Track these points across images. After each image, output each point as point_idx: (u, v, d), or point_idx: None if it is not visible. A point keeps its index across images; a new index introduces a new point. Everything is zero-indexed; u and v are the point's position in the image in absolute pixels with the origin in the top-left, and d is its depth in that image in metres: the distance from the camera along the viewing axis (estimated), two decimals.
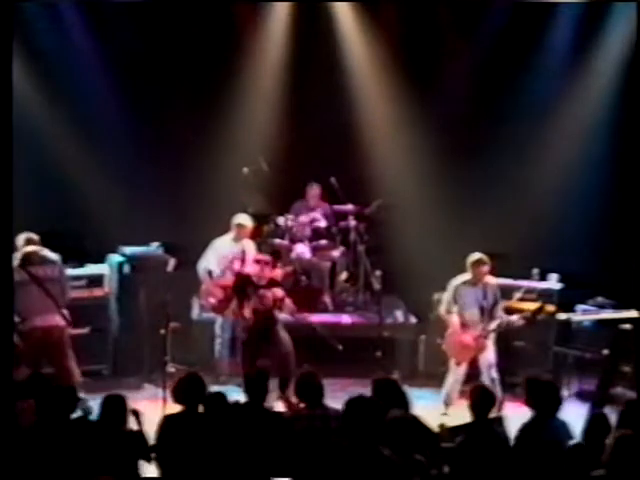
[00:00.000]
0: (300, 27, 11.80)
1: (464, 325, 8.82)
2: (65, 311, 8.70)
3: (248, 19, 11.90)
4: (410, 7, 11.69)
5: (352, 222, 11.45)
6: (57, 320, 8.60)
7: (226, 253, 9.92)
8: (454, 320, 8.86)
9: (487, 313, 8.79)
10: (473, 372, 8.91)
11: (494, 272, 9.19)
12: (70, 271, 9.65)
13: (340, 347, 9.41)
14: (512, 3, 11.38)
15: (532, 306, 9.12)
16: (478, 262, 8.82)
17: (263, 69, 11.94)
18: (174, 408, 6.58)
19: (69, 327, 8.73)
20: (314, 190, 11.72)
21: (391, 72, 11.74)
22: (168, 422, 6.37)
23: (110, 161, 11.56)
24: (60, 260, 8.83)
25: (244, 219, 9.90)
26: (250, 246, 10.02)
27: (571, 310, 9.71)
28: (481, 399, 6.44)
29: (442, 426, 8.36)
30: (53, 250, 8.90)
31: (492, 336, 8.82)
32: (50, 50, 11.14)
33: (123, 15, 11.35)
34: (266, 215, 11.53)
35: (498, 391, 8.62)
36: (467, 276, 8.88)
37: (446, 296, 8.93)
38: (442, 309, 9.02)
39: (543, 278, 10.29)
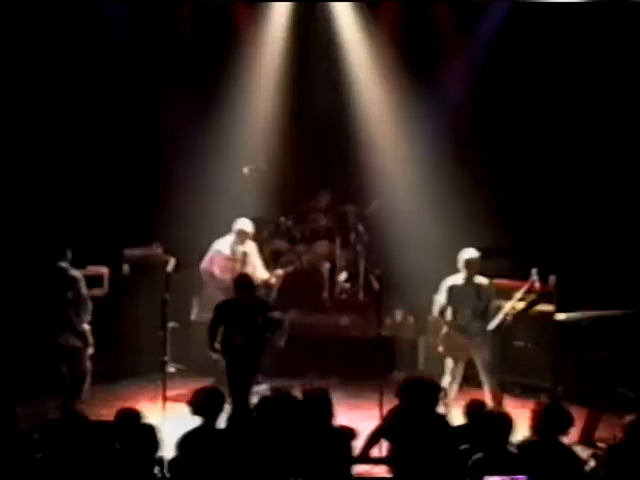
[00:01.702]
0: (299, 27, 11.84)
1: (457, 325, 8.80)
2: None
3: (247, 19, 11.93)
4: (409, 7, 11.72)
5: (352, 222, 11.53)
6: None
7: (227, 255, 9.89)
8: (448, 320, 8.85)
9: (480, 313, 8.77)
10: (471, 372, 8.92)
11: (493, 272, 9.20)
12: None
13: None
14: (511, 3, 11.40)
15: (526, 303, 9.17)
16: (471, 258, 8.80)
17: (263, 69, 11.96)
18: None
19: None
20: (326, 195, 11.89)
21: (391, 71, 11.76)
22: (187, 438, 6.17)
23: (111, 162, 11.59)
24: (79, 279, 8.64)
25: (245, 224, 9.82)
26: (252, 248, 9.97)
27: (570, 310, 9.72)
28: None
29: None
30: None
31: (489, 336, 8.81)
32: None
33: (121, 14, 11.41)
34: (266, 217, 11.57)
35: (496, 391, 8.65)
36: (460, 276, 8.85)
37: (439, 296, 8.91)
38: (435, 310, 8.98)
39: (542, 278, 10.28)
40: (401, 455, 6.25)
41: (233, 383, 8.46)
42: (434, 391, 6.48)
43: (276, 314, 8.76)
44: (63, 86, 11.27)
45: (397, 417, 6.41)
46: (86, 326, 8.61)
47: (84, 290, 8.59)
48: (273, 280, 9.97)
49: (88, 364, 8.65)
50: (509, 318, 8.94)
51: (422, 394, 6.39)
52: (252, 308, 8.53)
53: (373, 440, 6.49)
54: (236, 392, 8.33)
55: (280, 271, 9.99)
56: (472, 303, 8.75)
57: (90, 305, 8.65)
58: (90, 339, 8.63)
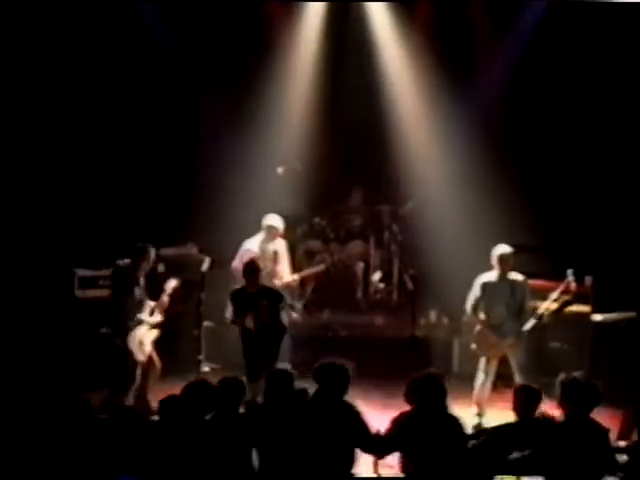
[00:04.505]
0: (334, 26, 11.85)
1: (491, 324, 8.75)
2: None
3: (282, 19, 11.96)
4: (444, 7, 11.68)
5: (386, 222, 11.51)
6: None
7: (257, 253, 9.86)
8: (481, 317, 8.80)
9: (514, 311, 8.72)
10: (505, 372, 8.87)
11: (528, 270, 9.15)
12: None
13: (343, 333, 9.13)
14: (548, 2, 11.31)
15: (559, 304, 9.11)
16: (504, 253, 8.74)
17: (297, 69, 11.98)
18: None
19: None
20: (359, 192, 11.88)
21: (426, 71, 11.74)
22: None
23: (147, 162, 11.66)
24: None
25: (274, 220, 9.77)
26: (282, 246, 9.91)
27: (606, 311, 9.65)
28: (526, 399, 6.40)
29: (477, 426, 8.36)
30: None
31: (524, 336, 8.76)
32: None
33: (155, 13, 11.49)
34: (299, 215, 11.57)
35: None
36: (494, 272, 8.79)
37: (472, 293, 8.87)
38: (468, 306, 8.94)
39: (578, 279, 10.20)
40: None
41: (250, 369, 8.50)
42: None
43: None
44: (100, 87, 11.37)
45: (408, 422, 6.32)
46: (137, 333, 8.70)
47: (119, 291, 8.74)
48: (292, 283, 9.94)
49: (135, 371, 8.69)
50: (544, 319, 8.89)
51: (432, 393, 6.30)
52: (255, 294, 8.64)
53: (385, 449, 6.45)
54: (253, 376, 8.25)
55: (296, 276, 9.91)
56: (506, 299, 8.72)
57: (129, 308, 8.71)
58: (132, 345, 8.67)
